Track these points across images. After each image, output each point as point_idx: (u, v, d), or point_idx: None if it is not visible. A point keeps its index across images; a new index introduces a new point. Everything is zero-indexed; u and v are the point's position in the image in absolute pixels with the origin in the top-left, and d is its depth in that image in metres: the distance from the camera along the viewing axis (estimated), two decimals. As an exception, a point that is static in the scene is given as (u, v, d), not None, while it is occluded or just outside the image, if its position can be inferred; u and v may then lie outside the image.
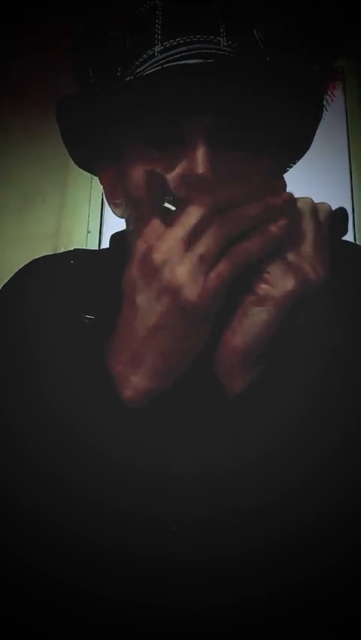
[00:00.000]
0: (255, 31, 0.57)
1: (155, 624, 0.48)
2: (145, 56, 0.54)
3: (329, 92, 0.70)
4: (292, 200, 0.49)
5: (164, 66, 0.52)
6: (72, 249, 0.69)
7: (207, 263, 0.45)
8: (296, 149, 0.64)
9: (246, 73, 0.52)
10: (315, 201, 0.51)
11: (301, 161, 0.65)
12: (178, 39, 0.53)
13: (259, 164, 0.55)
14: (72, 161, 0.65)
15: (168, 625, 0.48)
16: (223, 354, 0.49)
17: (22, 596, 0.48)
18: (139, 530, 0.47)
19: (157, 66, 0.53)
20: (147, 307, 0.47)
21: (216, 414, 0.50)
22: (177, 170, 0.52)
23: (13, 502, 0.48)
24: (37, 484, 0.47)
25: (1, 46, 2.02)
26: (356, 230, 1.67)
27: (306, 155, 0.65)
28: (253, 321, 0.48)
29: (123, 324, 0.48)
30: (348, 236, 0.55)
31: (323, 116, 0.59)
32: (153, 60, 0.53)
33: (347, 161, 1.80)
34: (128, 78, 0.55)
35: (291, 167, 0.65)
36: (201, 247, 0.45)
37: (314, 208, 0.50)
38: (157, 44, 0.54)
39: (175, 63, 0.52)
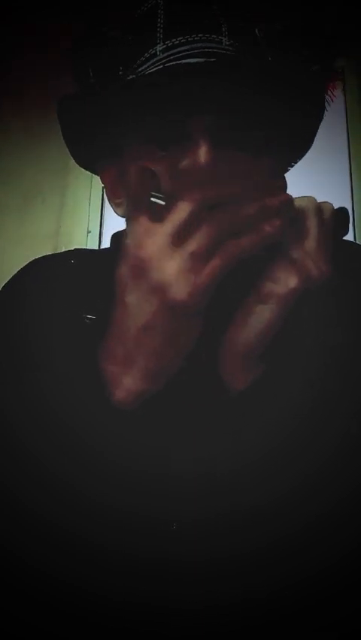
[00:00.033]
0: (256, 31, 0.57)
1: (155, 624, 0.48)
2: (147, 55, 0.54)
3: (329, 92, 0.70)
4: (289, 201, 0.49)
5: (166, 65, 0.52)
6: (72, 248, 0.69)
7: (198, 260, 0.44)
8: (297, 149, 0.63)
9: (246, 73, 0.52)
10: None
11: (301, 161, 0.65)
12: (180, 38, 0.53)
13: (260, 164, 0.55)
14: (72, 161, 0.64)
15: (168, 625, 0.48)
16: (227, 352, 0.50)
17: (22, 596, 0.48)
18: (139, 530, 0.47)
19: (159, 65, 0.53)
20: (136, 307, 0.46)
21: (216, 414, 0.50)
22: (178, 169, 0.52)
23: (13, 502, 0.48)
24: (37, 484, 0.47)
25: (1, 46, 2.02)
26: (356, 230, 1.67)
27: (306, 155, 0.65)
28: (256, 318, 0.48)
29: (115, 325, 0.48)
30: (348, 236, 0.55)
31: (323, 116, 0.59)
32: (156, 59, 0.53)
33: (347, 161, 1.80)
34: (131, 77, 0.55)
35: (292, 166, 0.65)
36: (192, 244, 0.44)
37: (318, 207, 0.51)
38: (159, 43, 0.54)
39: (177, 62, 0.52)
